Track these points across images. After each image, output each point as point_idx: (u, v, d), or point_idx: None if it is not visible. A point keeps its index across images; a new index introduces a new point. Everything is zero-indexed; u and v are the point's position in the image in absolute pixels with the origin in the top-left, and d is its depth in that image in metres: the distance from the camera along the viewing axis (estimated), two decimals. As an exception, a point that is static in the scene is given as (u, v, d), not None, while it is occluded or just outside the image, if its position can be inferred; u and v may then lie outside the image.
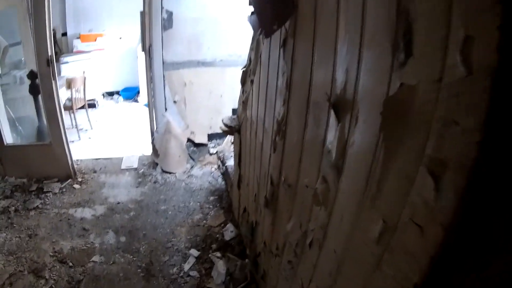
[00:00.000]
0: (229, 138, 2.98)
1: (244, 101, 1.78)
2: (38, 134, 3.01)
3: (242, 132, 1.90)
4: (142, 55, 4.54)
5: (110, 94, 5.22)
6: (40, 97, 2.74)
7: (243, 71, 1.83)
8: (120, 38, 5.03)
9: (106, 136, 3.79)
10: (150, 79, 2.85)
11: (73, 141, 3.60)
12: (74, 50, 4.78)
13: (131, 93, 5.09)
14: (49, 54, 2.45)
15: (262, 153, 1.42)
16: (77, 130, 3.76)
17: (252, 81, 1.59)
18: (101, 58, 4.87)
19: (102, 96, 5.10)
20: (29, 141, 3.05)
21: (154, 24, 2.71)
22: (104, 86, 5.11)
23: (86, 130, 3.95)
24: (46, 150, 2.78)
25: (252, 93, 1.59)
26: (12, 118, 3.04)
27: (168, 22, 2.75)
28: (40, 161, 2.83)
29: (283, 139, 1.11)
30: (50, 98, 2.59)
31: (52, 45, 2.47)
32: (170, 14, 2.74)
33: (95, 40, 4.82)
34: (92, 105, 4.54)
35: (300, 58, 0.95)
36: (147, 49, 2.77)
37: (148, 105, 2.85)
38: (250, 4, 1.45)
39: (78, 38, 4.82)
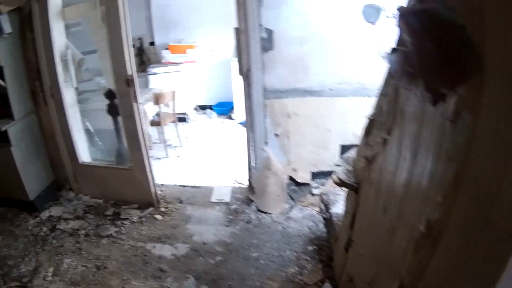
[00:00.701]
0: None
1: (368, 159, 1.73)
2: (117, 156, 3.38)
3: (361, 194, 1.85)
4: (236, 69, 4.92)
5: (203, 108, 5.74)
6: (119, 118, 3.07)
7: (369, 119, 1.78)
8: (213, 50, 5.49)
9: (196, 157, 4.10)
10: (249, 109, 2.91)
11: (159, 158, 4.01)
12: (163, 61, 5.35)
13: (225, 109, 5.50)
14: (129, 73, 2.67)
15: (392, 241, 1.34)
16: (165, 146, 4.15)
17: (385, 141, 1.53)
18: (192, 71, 5.37)
19: (195, 110, 5.64)
20: (108, 161, 3.46)
21: (252, 44, 2.74)
22: (197, 99, 5.64)
23: (175, 147, 4.37)
24: (126, 174, 3.08)
25: (385, 157, 1.53)
26: (92, 131, 3.57)
27: (268, 42, 2.78)
28: (119, 184, 3.15)
29: (434, 247, 1.01)
30: (131, 121, 2.83)
31: (133, 64, 2.66)
32: (270, 32, 2.77)
33: (185, 52, 5.31)
34: (182, 119, 5.06)
35: (485, 148, 0.77)
36: (245, 74, 2.82)
37: (247, 138, 2.98)
38: (399, 44, 1.32)
39: (167, 49, 5.39)
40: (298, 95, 2.95)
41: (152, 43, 5.63)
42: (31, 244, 2.95)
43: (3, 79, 3.02)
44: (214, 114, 5.58)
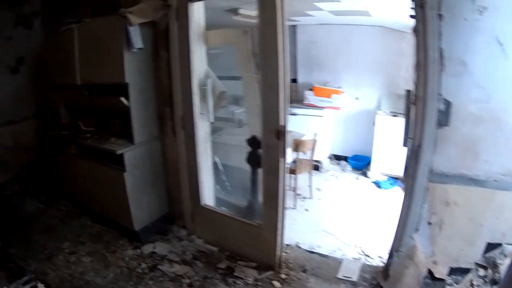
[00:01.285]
0: (470, 278, 2.97)
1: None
2: (247, 210, 3.49)
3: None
4: (379, 122, 4.91)
5: (338, 158, 5.96)
6: (259, 170, 3.11)
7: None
8: (357, 98, 5.69)
9: (325, 214, 4.20)
10: (410, 191, 2.79)
11: (286, 208, 4.20)
12: (305, 102, 5.63)
13: (360, 164, 5.61)
14: (281, 124, 2.59)
15: None
16: (295, 196, 4.32)
17: None
18: (334, 118, 5.63)
19: (329, 159, 5.87)
20: (232, 205, 3.57)
21: (428, 116, 2.58)
22: (333, 148, 5.89)
23: (305, 198, 4.55)
24: (252, 230, 3.13)
25: None
26: (220, 168, 3.73)
27: (444, 117, 2.62)
28: (241, 237, 3.22)
29: None
30: (273, 178, 2.80)
31: (287, 113, 2.62)
32: (448, 105, 2.60)
33: (329, 97, 5.56)
34: (316, 167, 5.24)
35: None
36: (414, 150, 2.69)
37: (398, 221, 3.01)
38: None
39: (310, 89, 5.68)
40: (463, 182, 2.89)
41: (294, 80, 5.91)
42: (123, 278, 3.19)
43: (127, 98, 3.27)
44: (348, 167, 5.72)
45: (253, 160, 3.27)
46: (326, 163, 5.70)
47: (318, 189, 4.78)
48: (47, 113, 5.58)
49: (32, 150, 5.66)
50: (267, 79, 2.61)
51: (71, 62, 3.96)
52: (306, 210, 4.29)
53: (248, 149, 3.30)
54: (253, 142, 3.21)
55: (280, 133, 2.66)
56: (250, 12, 4.18)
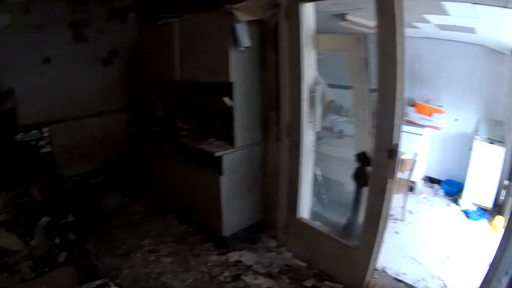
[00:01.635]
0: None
1: None
2: (344, 229, 3.53)
3: None
4: (477, 148, 4.82)
5: (432, 180, 5.95)
6: (364, 189, 3.13)
7: None
8: (456, 120, 5.64)
9: (414, 240, 4.16)
10: (508, 233, 2.65)
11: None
12: (406, 118, 5.57)
13: (453, 189, 5.53)
14: (394, 142, 2.61)
15: None
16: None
17: None
18: (432, 138, 5.66)
19: (423, 181, 5.89)
20: (328, 221, 3.63)
21: None
22: (427, 169, 5.90)
23: (396, 220, 4.57)
24: (346, 251, 3.17)
25: None
26: (320, 180, 3.81)
27: None
28: (333, 257, 3.27)
29: None
30: (379, 199, 2.76)
31: (400, 131, 2.60)
32: None
33: (430, 115, 5.54)
34: (410, 188, 5.26)
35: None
36: None
37: (491, 264, 2.97)
38: None
39: (412, 106, 5.69)
40: None
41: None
42: (203, 285, 3.36)
43: (231, 98, 3.47)
44: (441, 191, 5.67)
45: (360, 177, 3.31)
46: (420, 184, 5.64)
47: (410, 211, 4.75)
48: (139, 107, 6.07)
49: (121, 143, 6.23)
50: (383, 92, 2.63)
51: (170, 58, 4.29)
52: (397, 233, 4.28)
53: (355, 164, 3.35)
54: (363, 158, 3.24)
55: (392, 152, 2.67)
56: (357, 19, 4.27)
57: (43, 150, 5.24)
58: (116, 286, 2.94)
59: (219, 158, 3.52)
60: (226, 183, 3.62)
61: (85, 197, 5.63)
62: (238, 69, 3.42)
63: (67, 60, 5.68)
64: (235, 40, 3.25)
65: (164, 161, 4.67)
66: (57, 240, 3.56)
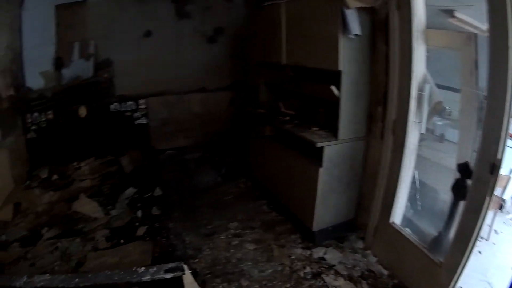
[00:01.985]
0: None
1: None
2: (433, 242, 3.50)
3: None
4: None
5: None
6: (461, 203, 3.09)
7: None
8: None
9: (494, 263, 4.00)
10: None
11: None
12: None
13: None
14: (498, 157, 2.54)
15: None
16: None
17: None
18: None
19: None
20: (420, 234, 3.58)
21: None
22: None
23: (481, 238, 4.47)
24: (429, 264, 3.17)
25: None
26: (417, 184, 3.81)
27: None
28: (416, 267, 3.27)
29: None
30: (474, 216, 2.72)
31: (506, 146, 2.53)
32: None
33: None
34: (499, 206, 5.12)
35: None
36: None
37: None
38: None
39: None
40: None
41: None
42: (281, 278, 3.57)
43: (338, 88, 3.59)
44: None
45: (459, 190, 3.24)
46: (509, 204, 5.35)
47: (495, 231, 4.54)
48: (242, 87, 6.47)
49: (221, 121, 6.76)
50: (491, 100, 2.58)
51: (277, 40, 4.54)
52: (479, 252, 4.16)
53: (456, 175, 3.28)
54: (465, 169, 3.16)
55: (494, 167, 2.59)
56: (466, 18, 4.15)
57: (138, 122, 5.89)
58: (190, 270, 2.98)
59: (321, 149, 3.67)
60: (324, 176, 3.77)
61: (178, 172, 6.18)
62: (347, 57, 3.52)
63: (169, 34, 6.26)
64: (344, 27, 3.36)
65: (263, 144, 4.98)
66: (139, 213, 3.95)
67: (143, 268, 2.12)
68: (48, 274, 2.17)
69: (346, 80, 3.58)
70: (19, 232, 3.83)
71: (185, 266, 2.19)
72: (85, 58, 6.01)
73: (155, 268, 2.12)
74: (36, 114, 5.31)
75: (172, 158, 6.72)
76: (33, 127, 5.35)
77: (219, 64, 6.64)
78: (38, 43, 5.31)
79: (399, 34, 3.35)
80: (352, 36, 3.40)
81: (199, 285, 3.28)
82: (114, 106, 5.70)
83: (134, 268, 2.11)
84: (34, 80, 5.40)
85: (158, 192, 4.38)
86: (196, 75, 6.56)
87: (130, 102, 5.73)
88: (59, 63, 5.68)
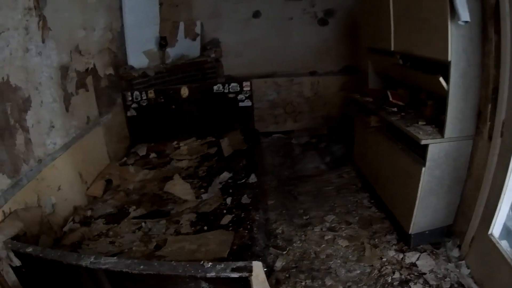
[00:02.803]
0: None
1: None
2: None
3: None
4: None
5: None
6: None
7: None
8: None
9: None
10: None
11: None
12: None
13: None
14: None
15: None
16: None
17: None
18: None
19: None
20: None
21: None
22: None
23: None
24: None
25: None
26: None
27: None
28: (504, 286, 3.13)
29: None
30: None
31: None
32: None
33: None
34: None
35: None
36: None
37: None
38: None
39: None
40: None
41: None
42: (367, 281, 3.58)
43: (446, 79, 3.42)
44: None
45: None
46: None
47: None
48: (355, 72, 6.43)
49: (331, 107, 6.91)
50: None
51: (385, 25, 4.43)
52: None
53: None
54: None
55: None
56: None
57: (241, 104, 6.00)
58: (265, 268, 2.87)
59: (425, 146, 3.58)
60: (427, 176, 3.67)
61: (281, 157, 6.42)
62: (456, 47, 3.34)
63: (278, 16, 6.46)
64: (453, 13, 3.20)
65: (368, 135, 4.97)
66: (228, 200, 4.02)
67: (209, 264, 2.19)
68: (115, 257, 2.45)
69: (454, 72, 3.40)
70: (106, 208, 4.05)
71: (258, 265, 2.20)
72: (191, 38, 6.46)
73: (222, 265, 2.18)
74: (137, 92, 5.63)
75: (278, 142, 7.02)
76: (134, 105, 5.72)
77: (330, 47, 6.70)
78: (141, 22, 5.67)
79: (510, 22, 3.09)
80: (462, 23, 3.21)
81: (273, 284, 3.51)
82: (217, 88, 5.88)
83: (201, 262, 2.20)
84: (137, 59, 5.81)
85: (253, 179, 4.43)
86: (306, 58, 6.71)
87: (233, 84, 5.85)
88: (163, 42, 6.09)
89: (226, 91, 5.93)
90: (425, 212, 3.85)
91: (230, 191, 4.25)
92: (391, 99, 4.75)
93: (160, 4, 6.00)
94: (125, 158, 5.37)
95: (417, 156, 3.72)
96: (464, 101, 3.54)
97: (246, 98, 5.97)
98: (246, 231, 3.44)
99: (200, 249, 3.24)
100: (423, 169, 3.65)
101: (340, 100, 6.75)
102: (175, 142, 5.79)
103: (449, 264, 3.71)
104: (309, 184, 5.57)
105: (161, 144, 5.76)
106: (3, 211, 2.94)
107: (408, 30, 4.00)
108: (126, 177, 4.77)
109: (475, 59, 3.46)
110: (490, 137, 3.46)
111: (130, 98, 5.68)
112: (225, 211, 3.84)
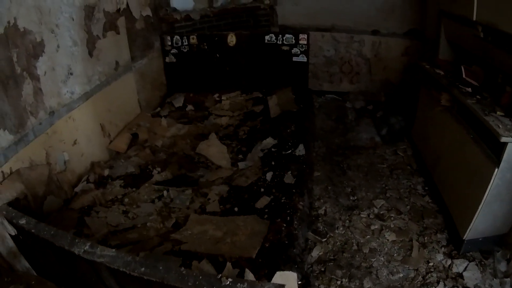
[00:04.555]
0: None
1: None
2: None
3: None
4: None
5: None
6: None
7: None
8: None
9: None
10: None
11: None
12: None
13: None
14: None
15: None
16: None
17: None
18: None
19: None
20: None
21: None
22: None
23: None
24: None
25: None
26: None
27: None
28: None
29: None
30: None
31: None
32: None
33: None
34: None
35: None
36: None
37: None
38: None
39: None
40: None
41: None
42: (408, 285, 3.26)
43: None
44: None
45: None
46: None
47: None
48: (421, 37, 5.67)
49: (391, 72, 6.25)
50: None
51: None
52: None
53: None
54: None
55: None
56: None
57: (296, 59, 5.41)
58: (300, 279, 2.61)
59: (503, 144, 2.96)
60: (499, 179, 3.10)
61: (333, 121, 5.89)
62: None
63: None
64: None
65: (433, 112, 4.31)
66: (268, 176, 3.49)
67: (229, 282, 1.82)
68: (114, 250, 2.07)
69: None
70: (127, 167, 3.75)
71: (292, 276, 1.91)
72: None
73: (245, 285, 1.81)
74: (177, 37, 5.19)
75: (331, 104, 6.47)
76: (173, 51, 5.27)
77: (395, 6, 5.94)
78: None
79: None
80: None
81: (303, 284, 2.99)
82: (269, 38, 5.31)
83: (218, 276, 1.84)
84: (182, 1, 5.38)
85: (301, 151, 3.94)
86: (368, 14, 6.02)
87: (288, 35, 5.28)
88: None
89: (280, 42, 5.35)
90: (485, 218, 3.33)
91: (273, 163, 3.76)
92: (464, 76, 4.04)
93: None
94: (159, 109, 5.01)
95: (490, 152, 3.12)
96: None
97: (302, 52, 5.37)
98: (285, 225, 2.94)
99: (226, 238, 2.78)
100: (496, 170, 3.04)
101: (402, 66, 6.06)
102: (217, 95, 5.34)
103: (494, 280, 3.27)
104: (361, 157, 5.04)
105: (201, 95, 5.32)
106: (1, 172, 2.65)
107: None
108: (156, 131, 4.38)
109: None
110: None
111: (169, 43, 5.22)
112: (263, 190, 3.36)
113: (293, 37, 5.31)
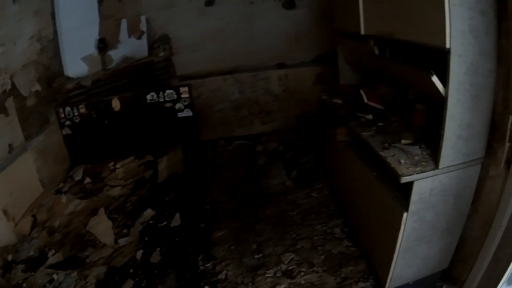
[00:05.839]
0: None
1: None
2: None
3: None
4: None
5: None
6: None
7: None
8: None
9: None
10: None
11: None
12: None
13: None
14: None
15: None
16: None
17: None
18: None
19: None
20: None
21: None
22: None
23: None
24: None
25: None
26: None
27: None
28: None
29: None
30: None
31: None
32: None
33: None
34: None
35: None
36: None
37: None
38: None
39: None
40: None
41: None
42: None
43: (443, 79, 2.28)
44: None
45: None
46: None
47: None
48: (331, 61, 5.33)
49: (305, 103, 5.87)
50: None
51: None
52: None
53: None
54: None
55: None
56: None
57: (181, 114, 5.11)
58: None
59: (409, 184, 2.50)
60: (411, 223, 2.63)
61: (242, 169, 5.40)
62: (460, 26, 2.18)
63: (236, 1, 5.50)
64: None
65: (336, 149, 3.84)
66: (138, 254, 3.34)
67: None
68: None
69: (456, 65, 2.23)
70: (29, 250, 3.58)
71: None
72: (136, 37, 5.52)
73: None
74: (68, 108, 4.88)
75: (241, 150, 6.02)
76: (67, 123, 4.95)
77: (300, 34, 5.69)
78: (78, 25, 4.88)
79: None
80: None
81: None
82: (150, 97, 5.02)
83: None
84: (76, 67, 5.01)
85: (176, 221, 3.72)
86: (272, 48, 5.74)
87: (169, 91, 5.02)
88: (101, 45, 5.19)
89: (162, 99, 5.03)
90: (408, 264, 2.89)
91: (146, 238, 3.59)
92: (366, 100, 3.67)
93: (99, 1, 5.08)
94: (62, 184, 4.70)
95: (398, 193, 2.67)
96: (471, 110, 2.39)
97: (186, 107, 5.07)
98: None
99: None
100: (406, 214, 2.58)
101: (316, 95, 5.62)
102: (112, 163, 4.96)
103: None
104: (270, 206, 4.53)
105: (98, 165, 4.95)
106: None
107: (385, 4, 2.88)
108: (56, 209, 4.11)
109: (489, 44, 2.30)
110: (508, 163, 2.46)
111: (63, 115, 4.88)
112: (131, 271, 3.22)
113: (174, 92, 5.01)
